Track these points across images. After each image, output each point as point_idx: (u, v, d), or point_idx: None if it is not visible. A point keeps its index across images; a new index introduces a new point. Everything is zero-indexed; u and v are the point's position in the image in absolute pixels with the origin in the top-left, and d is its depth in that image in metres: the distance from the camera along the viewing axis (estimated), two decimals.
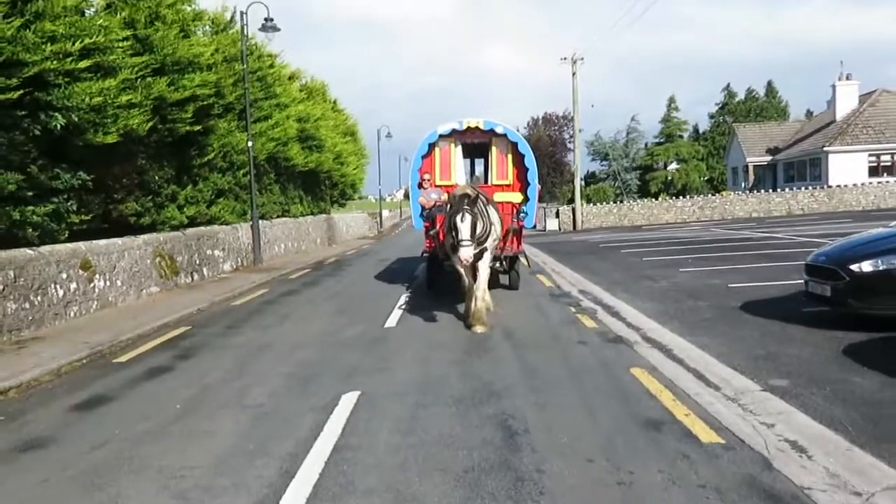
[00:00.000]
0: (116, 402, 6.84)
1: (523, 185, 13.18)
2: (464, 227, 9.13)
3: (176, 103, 14.76)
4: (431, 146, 13.29)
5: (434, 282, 13.54)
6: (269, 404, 6.48)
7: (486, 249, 10.08)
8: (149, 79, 13.49)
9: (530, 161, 12.91)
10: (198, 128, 16.18)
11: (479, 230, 9.57)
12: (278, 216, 25.36)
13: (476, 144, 13.87)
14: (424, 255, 13.65)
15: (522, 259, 13.27)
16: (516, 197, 13.08)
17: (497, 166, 13.50)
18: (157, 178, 15.33)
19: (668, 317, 9.99)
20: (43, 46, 10.29)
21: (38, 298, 10.70)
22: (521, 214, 12.74)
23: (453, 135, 13.25)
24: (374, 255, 25.22)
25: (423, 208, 12.81)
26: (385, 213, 55.39)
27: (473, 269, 10.03)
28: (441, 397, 6.41)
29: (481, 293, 9.85)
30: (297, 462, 4.92)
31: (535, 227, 15.50)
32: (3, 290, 9.91)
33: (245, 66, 19.58)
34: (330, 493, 4.40)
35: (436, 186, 13.04)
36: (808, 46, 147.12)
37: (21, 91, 9.90)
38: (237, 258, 19.87)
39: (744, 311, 10.10)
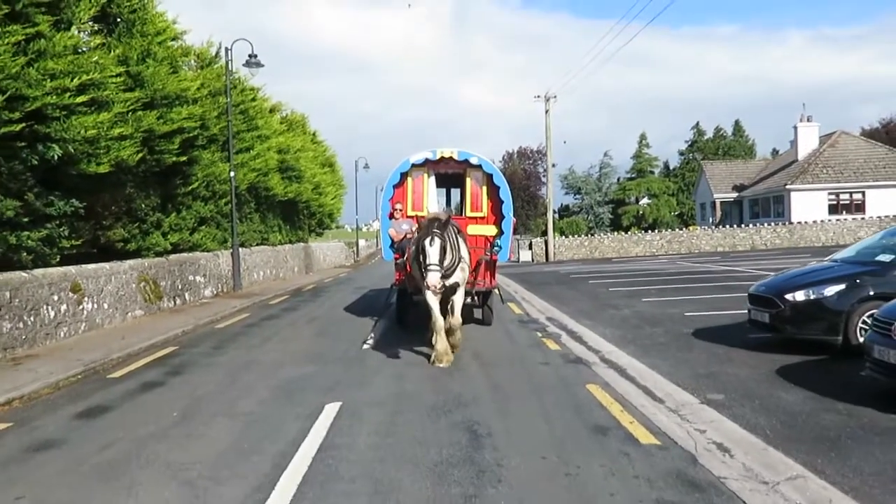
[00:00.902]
0: (117, 411, 7.46)
1: (498, 217, 12.77)
2: (432, 250, 8.70)
3: (164, 135, 15.44)
4: (404, 175, 12.86)
5: (405, 316, 12.99)
6: (258, 413, 7.14)
7: (458, 284, 9.72)
8: (139, 112, 14.17)
9: (505, 193, 12.51)
10: (183, 158, 16.86)
11: (447, 259, 9.10)
12: (258, 244, 25.96)
13: (450, 175, 13.55)
14: (394, 287, 13.10)
15: (497, 293, 13.00)
16: (490, 230, 12.76)
17: (471, 198, 13.10)
18: (143, 206, 15.94)
19: (626, 341, 10.80)
20: (44, 83, 10.97)
21: (31, 319, 11.24)
22: (495, 248, 12.28)
23: (426, 164, 12.84)
24: (350, 283, 25.87)
25: (394, 241, 12.39)
26: (361, 242, 56.08)
27: (446, 304, 9.66)
28: (415, 406, 7.13)
29: (457, 328, 9.68)
30: (287, 458, 5.60)
31: (508, 259, 14.08)
32: (0, 310, 10.46)
33: (229, 99, 20.35)
34: (317, 481, 5.09)
35: (408, 217, 12.67)
36: (777, 86, 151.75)
37: (23, 124, 10.56)
38: (218, 284, 20.42)
39: (695, 336, 10.96)
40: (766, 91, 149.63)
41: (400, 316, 13.15)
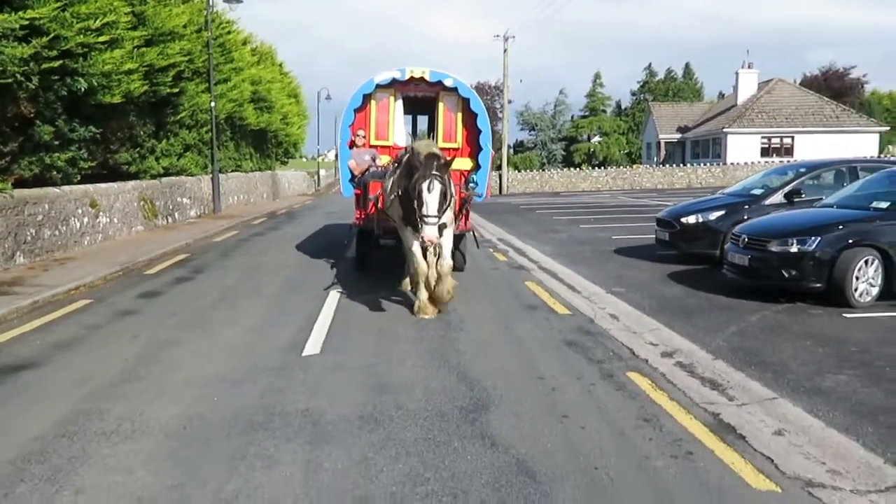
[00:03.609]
0: (167, 294, 9.78)
1: (474, 149, 11.54)
2: (431, 198, 7.42)
3: (161, 69, 17.20)
4: (367, 98, 11.35)
5: (365, 261, 11.52)
6: (279, 296, 9.56)
7: (446, 225, 8.09)
8: (143, 49, 15.91)
9: (483, 121, 11.16)
10: (175, 90, 18.65)
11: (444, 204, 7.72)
12: (232, 171, 27.81)
13: (420, 98, 11.99)
14: (353, 227, 11.54)
15: (472, 236, 10.69)
16: (465, 163, 11.33)
17: (444, 126, 11.63)
18: (142, 132, 17.78)
19: (560, 255, 13.38)
20: (74, 24, 12.73)
21: (64, 228, 13.30)
22: (471, 184, 10.88)
23: (393, 85, 11.34)
24: (319, 209, 28.04)
25: (354, 174, 11.22)
26: (322, 172, 57.70)
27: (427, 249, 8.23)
28: (395, 294, 9.57)
29: (447, 271, 8.13)
30: (312, 319, 8.04)
31: (484, 198, 11.86)
32: (42, 219, 12.51)
33: (209, 33, 21.92)
34: (339, 328, 7.58)
35: (370, 146, 11.54)
36: (738, 27, 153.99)
37: (59, 61, 12.38)
38: (201, 206, 22.42)
39: (615, 253, 13.62)
40: (726, 31, 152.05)
41: (361, 261, 11.57)
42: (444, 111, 11.61)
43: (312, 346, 6.89)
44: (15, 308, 8.55)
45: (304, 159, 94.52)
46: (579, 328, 7.75)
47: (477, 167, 11.37)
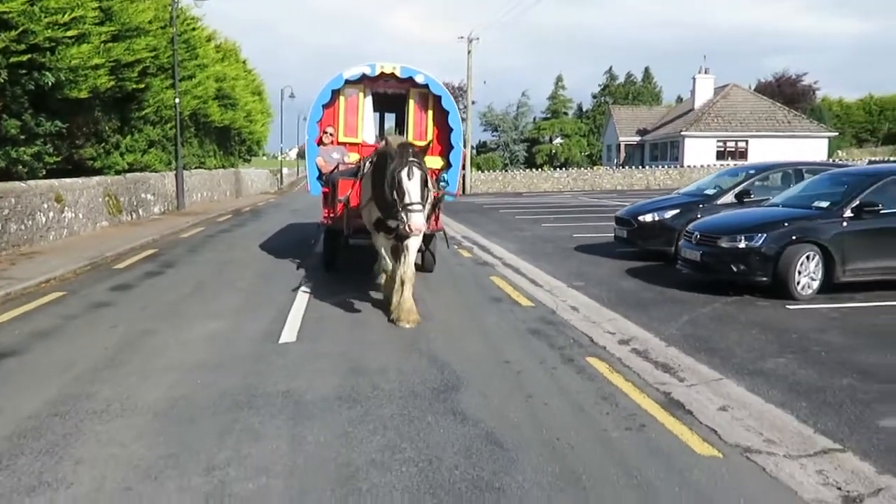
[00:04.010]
0: (140, 287, 9.94)
1: (445, 148, 11.31)
2: (412, 185, 7.02)
3: (127, 65, 17.23)
4: (335, 94, 11.14)
5: (334, 261, 11.38)
6: (252, 289, 9.79)
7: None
8: (110, 44, 15.94)
9: (455, 119, 11.06)
10: (141, 86, 18.67)
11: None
12: (196, 168, 27.74)
13: (389, 96, 11.85)
14: (321, 227, 11.40)
15: (443, 235, 10.66)
16: (436, 162, 11.00)
17: (414, 123, 11.41)
18: (107, 128, 17.79)
19: (524, 252, 13.83)
20: (42, 18, 12.77)
21: (30, 222, 13.31)
22: (442, 183, 10.61)
23: (363, 81, 11.13)
24: (284, 206, 28.12)
25: (321, 171, 10.97)
26: (285, 170, 57.51)
27: (398, 249, 8.14)
28: (363, 289, 9.87)
29: (410, 277, 7.93)
30: (286, 309, 8.32)
31: (455, 197, 12.21)
32: (8, 213, 12.52)
33: (174, 28, 21.93)
34: (313, 317, 7.88)
35: (339, 144, 11.35)
36: (700, 31, 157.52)
37: (28, 55, 12.42)
38: (164, 203, 22.40)
39: (576, 250, 14.12)
40: (685, 37, 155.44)
41: (329, 261, 11.41)
42: (415, 108, 11.42)
43: (288, 334, 7.18)
44: None
45: (266, 157, 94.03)
46: (542, 318, 8.17)
47: (447, 166, 11.14)
